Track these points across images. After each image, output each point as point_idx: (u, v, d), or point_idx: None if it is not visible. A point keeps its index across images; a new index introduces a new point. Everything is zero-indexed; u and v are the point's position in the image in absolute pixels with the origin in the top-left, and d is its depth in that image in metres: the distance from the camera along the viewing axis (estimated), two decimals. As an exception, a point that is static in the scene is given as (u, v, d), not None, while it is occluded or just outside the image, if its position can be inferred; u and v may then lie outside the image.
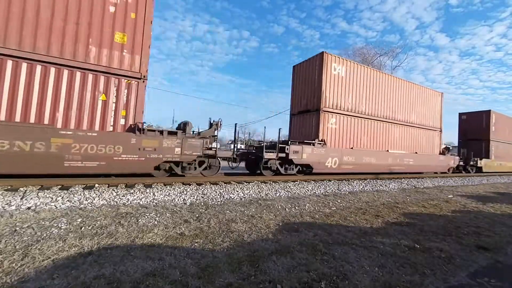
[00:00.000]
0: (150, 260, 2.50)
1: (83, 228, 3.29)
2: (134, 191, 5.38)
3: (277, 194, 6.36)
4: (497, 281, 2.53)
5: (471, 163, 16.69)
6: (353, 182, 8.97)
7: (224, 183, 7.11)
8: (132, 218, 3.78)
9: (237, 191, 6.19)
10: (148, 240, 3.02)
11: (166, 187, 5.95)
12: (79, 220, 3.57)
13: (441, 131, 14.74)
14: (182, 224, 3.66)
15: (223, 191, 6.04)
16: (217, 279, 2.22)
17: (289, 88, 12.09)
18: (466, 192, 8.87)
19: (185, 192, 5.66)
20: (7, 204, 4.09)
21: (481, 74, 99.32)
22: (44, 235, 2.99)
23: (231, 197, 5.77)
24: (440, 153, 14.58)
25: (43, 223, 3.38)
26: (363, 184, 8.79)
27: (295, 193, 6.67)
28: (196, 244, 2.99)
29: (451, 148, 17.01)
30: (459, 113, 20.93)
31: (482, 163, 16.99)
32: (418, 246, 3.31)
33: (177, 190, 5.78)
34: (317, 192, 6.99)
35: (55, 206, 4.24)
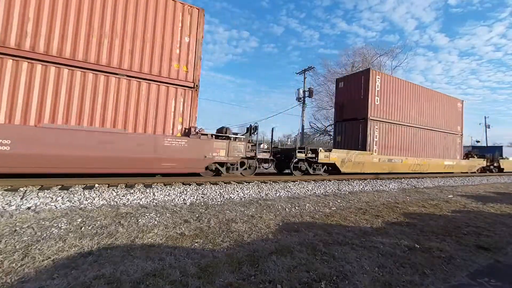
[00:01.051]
0: (150, 260, 2.50)
1: (83, 228, 3.29)
2: (134, 191, 5.38)
3: (277, 194, 6.36)
4: (497, 281, 2.53)
5: (303, 155, 8.74)
6: (353, 182, 8.97)
7: (224, 183, 7.11)
8: (132, 218, 3.79)
9: (237, 191, 6.19)
10: (148, 240, 3.02)
11: (166, 187, 5.95)
12: (79, 220, 3.57)
13: (196, 88, 7.20)
14: (182, 224, 3.66)
15: (223, 191, 6.04)
16: (217, 279, 2.22)
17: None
18: (466, 192, 8.87)
19: (185, 192, 5.66)
20: (7, 204, 4.09)
21: (481, 74, 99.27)
22: (44, 235, 2.99)
23: (231, 197, 5.76)
24: (186, 134, 6.98)
25: (43, 223, 3.38)
26: (363, 184, 8.80)
27: (295, 193, 6.67)
28: (196, 244, 2.99)
29: (255, 125, 8.06)
30: (336, 79, 13.38)
31: (333, 156, 9.22)
32: (418, 246, 3.31)
33: (177, 190, 5.78)
34: (317, 192, 6.99)
35: (55, 206, 4.24)
